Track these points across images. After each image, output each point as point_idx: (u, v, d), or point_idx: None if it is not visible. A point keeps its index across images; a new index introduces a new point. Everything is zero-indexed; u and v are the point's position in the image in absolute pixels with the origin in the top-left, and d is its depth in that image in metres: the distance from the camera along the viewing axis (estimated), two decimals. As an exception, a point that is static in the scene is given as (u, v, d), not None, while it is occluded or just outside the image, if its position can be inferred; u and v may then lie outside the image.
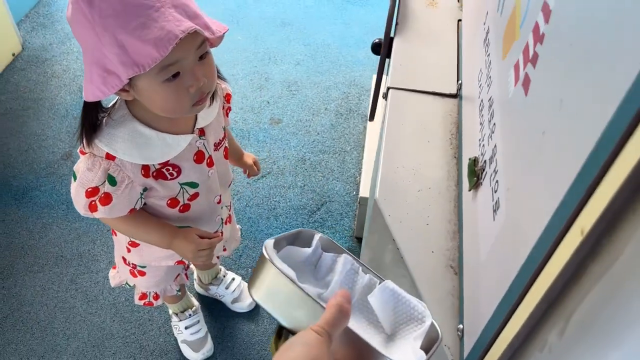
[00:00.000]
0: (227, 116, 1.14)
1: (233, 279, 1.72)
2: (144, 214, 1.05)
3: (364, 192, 1.81)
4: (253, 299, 0.61)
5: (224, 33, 0.86)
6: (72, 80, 2.43)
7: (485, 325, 0.61)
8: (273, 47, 2.73)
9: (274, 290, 0.58)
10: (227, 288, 1.69)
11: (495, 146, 0.73)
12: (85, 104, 0.88)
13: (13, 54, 2.49)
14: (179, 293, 1.48)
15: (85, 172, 0.92)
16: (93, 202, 0.94)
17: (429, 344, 0.61)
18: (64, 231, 1.90)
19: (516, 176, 0.62)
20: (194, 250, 1.06)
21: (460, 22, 1.28)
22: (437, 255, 0.86)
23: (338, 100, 2.48)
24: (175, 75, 0.81)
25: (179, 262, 1.26)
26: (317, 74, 2.60)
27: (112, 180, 0.92)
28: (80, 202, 0.96)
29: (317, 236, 0.70)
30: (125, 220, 1.02)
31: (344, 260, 0.68)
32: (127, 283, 1.36)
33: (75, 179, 0.95)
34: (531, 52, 0.63)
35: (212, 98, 1.01)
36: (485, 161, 0.77)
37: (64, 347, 1.63)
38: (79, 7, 0.75)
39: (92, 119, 0.90)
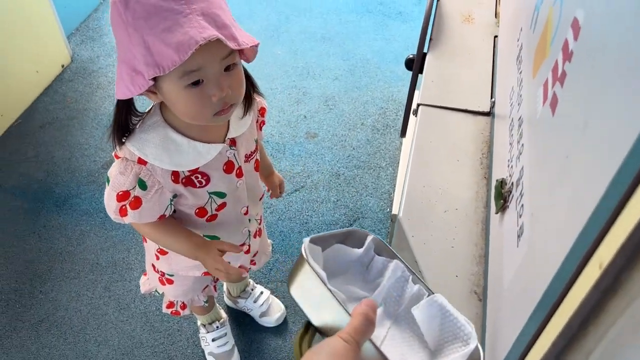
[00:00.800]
0: (261, 130, 1.14)
1: (261, 292, 1.71)
2: (173, 222, 1.06)
3: (397, 209, 1.78)
4: (288, 292, 0.61)
5: (253, 46, 0.85)
6: (116, 92, 2.50)
7: (507, 351, 0.58)
8: (312, 61, 2.74)
9: (306, 288, 0.58)
10: (255, 301, 1.68)
11: (522, 168, 0.70)
12: (118, 104, 0.90)
13: (62, 66, 2.59)
14: (207, 304, 1.48)
15: (117, 175, 0.93)
16: (123, 207, 0.95)
17: None
18: (100, 239, 1.95)
19: (540, 201, 0.58)
20: (212, 265, 1.05)
21: (496, 38, 1.24)
22: (462, 279, 0.82)
23: (375, 115, 2.46)
24: (198, 82, 0.82)
25: (206, 274, 1.26)
26: (354, 89, 2.59)
27: (142, 185, 0.93)
28: (111, 206, 0.97)
29: (370, 237, 0.69)
30: (155, 227, 1.02)
31: (395, 266, 0.67)
32: (156, 290, 1.37)
33: (108, 182, 0.97)
34: (560, 71, 0.60)
35: (246, 110, 1.01)
36: (512, 183, 0.73)
37: (94, 354, 1.66)
38: (117, 8, 0.78)
39: (123, 119, 0.91)
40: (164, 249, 1.17)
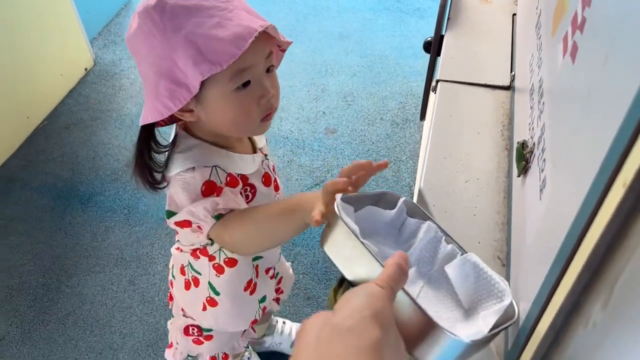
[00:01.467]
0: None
1: (284, 322, 1.62)
2: (250, 210, 0.84)
3: (416, 195, 1.76)
4: (321, 249, 0.60)
5: (281, 51, 0.84)
6: (138, 93, 2.55)
7: (528, 308, 0.57)
8: (330, 59, 2.75)
9: (339, 243, 0.58)
10: (281, 334, 1.59)
11: (543, 125, 0.69)
12: (140, 134, 0.83)
13: (85, 69, 2.65)
14: (247, 350, 1.40)
15: (188, 183, 0.81)
16: (214, 200, 0.81)
17: (504, 321, 0.58)
18: (124, 234, 1.97)
19: (561, 147, 0.57)
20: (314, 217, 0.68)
21: (514, 16, 1.24)
22: (484, 246, 0.81)
23: (394, 110, 2.46)
24: (246, 84, 0.77)
25: (252, 322, 1.17)
26: (373, 85, 2.59)
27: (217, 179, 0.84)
28: (200, 205, 0.80)
29: (402, 199, 0.68)
30: (242, 218, 0.82)
31: (427, 227, 0.67)
32: (189, 356, 1.26)
33: (171, 214, 0.83)
34: (579, 19, 0.60)
35: None
36: (534, 143, 0.73)
37: (120, 346, 1.68)
38: (148, 15, 0.73)
39: (149, 152, 0.83)
40: (215, 298, 1.04)
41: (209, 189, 0.82)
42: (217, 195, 0.82)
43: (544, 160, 0.65)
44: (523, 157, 0.74)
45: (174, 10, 0.72)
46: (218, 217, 0.81)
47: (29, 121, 2.35)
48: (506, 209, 0.86)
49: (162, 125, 0.87)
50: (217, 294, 1.06)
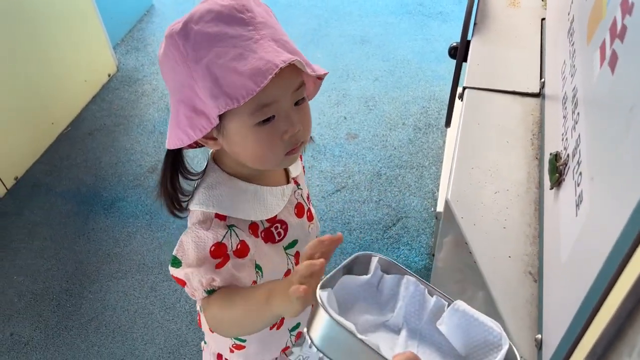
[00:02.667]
0: (304, 173, 1.03)
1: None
2: (230, 289, 0.81)
3: (442, 207, 1.73)
4: (312, 344, 0.57)
5: (317, 81, 0.79)
6: (160, 99, 2.56)
7: (565, 331, 0.54)
8: (352, 64, 2.73)
9: (334, 341, 0.55)
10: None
11: (579, 136, 0.66)
12: (167, 158, 0.80)
13: (109, 75, 2.67)
14: None
15: (200, 234, 0.77)
16: (218, 262, 0.78)
17: None
18: (146, 240, 1.98)
19: (601, 162, 0.55)
20: (295, 291, 0.68)
21: (544, 21, 1.20)
22: (515, 260, 0.78)
23: (417, 114, 2.42)
24: (270, 118, 0.72)
25: (284, 350, 1.10)
26: (395, 89, 2.56)
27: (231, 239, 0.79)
28: (200, 269, 0.76)
29: (375, 259, 0.65)
30: (226, 296, 0.79)
31: (406, 282, 0.64)
32: None
33: (178, 264, 0.78)
34: (619, 26, 0.57)
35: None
36: (568, 155, 0.70)
37: (142, 352, 1.68)
38: (173, 42, 0.70)
39: (172, 177, 0.81)
40: (240, 343, 0.99)
41: (218, 252, 0.78)
42: (221, 264, 0.78)
43: (580, 173, 0.62)
44: (556, 170, 0.71)
45: (197, 38, 0.68)
46: (211, 291, 0.79)
47: (54, 127, 2.38)
48: (538, 222, 0.83)
49: (191, 148, 0.83)
50: (243, 340, 1.01)
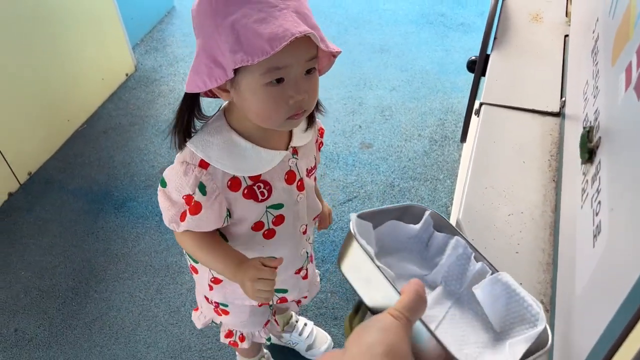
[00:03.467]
0: (319, 150, 1.10)
1: (305, 324, 1.62)
2: (216, 237, 0.99)
3: (454, 219, 1.70)
4: (338, 267, 0.58)
5: (334, 55, 0.82)
6: (177, 100, 2.56)
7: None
8: (369, 72, 2.71)
9: (355, 265, 0.56)
10: (300, 334, 1.60)
11: (599, 162, 0.63)
12: (182, 103, 0.88)
13: (127, 74, 2.68)
14: (269, 342, 1.40)
15: (180, 177, 0.89)
16: (184, 211, 0.91)
17: (537, 349, 0.54)
18: (155, 242, 1.97)
19: (622, 193, 0.51)
20: (255, 278, 0.91)
21: (567, 38, 1.17)
22: (527, 287, 0.74)
23: (433, 126, 2.39)
24: (279, 80, 0.79)
25: (265, 304, 1.20)
26: (412, 100, 2.53)
27: (202, 189, 0.88)
28: (173, 208, 0.92)
29: (428, 212, 0.65)
30: (198, 239, 0.96)
31: (455, 243, 0.63)
32: (213, 322, 1.31)
33: (164, 185, 0.93)
34: (647, 49, 0.54)
35: (310, 124, 0.97)
36: (587, 181, 0.66)
37: (144, 355, 1.66)
38: None
39: (186, 120, 0.89)
40: (219, 276, 1.11)
41: (189, 200, 0.90)
42: (192, 211, 0.90)
43: (599, 202, 0.59)
44: (587, 149, 0.67)
45: None
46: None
47: (69, 124, 2.39)
48: (552, 247, 0.79)
49: (207, 97, 0.91)
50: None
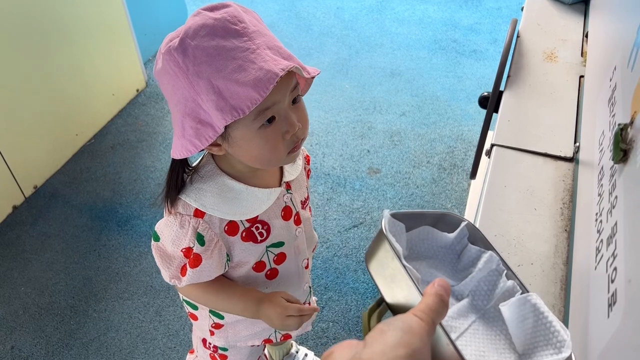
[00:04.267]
0: (308, 178, 1.08)
1: (306, 354, 1.58)
2: (225, 280, 0.97)
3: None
4: (366, 266, 0.57)
5: (309, 79, 0.82)
6: (185, 118, 2.55)
7: None
8: (379, 96, 2.70)
9: (382, 262, 0.55)
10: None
11: (615, 224, 0.60)
12: (173, 164, 0.85)
13: (137, 90, 2.68)
14: None
15: (177, 230, 0.85)
16: (184, 265, 0.88)
17: None
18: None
19: (641, 266, 0.49)
20: (282, 316, 0.93)
21: (582, 79, 1.15)
22: (535, 345, 0.72)
23: (442, 154, 2.37)
24: (271, 120, 0.76)
25: (266, 341, 1.16)
26: (422, 126, 2.51)
27: (201, 240, 0.86)
28: (173, 263, 0.88)
29: (464, 223, 0.64)
30: (207, 287, 0.93)
31: (489, 257, 0.62)
32: None
33: (158, 239, 0.89)
34: (669, 114, 0.51)
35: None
36: (601, 240, 0.64)
37: (140, 379, 1.64)
38: (172, 58, 0.72)
39: (179, 178, 0.86)
40: (220, 322, 1.08)
41: (188, 254, 0.86)
42: (192, 264, 0.86)
43: (615, 269, 0.56)
44: (620, 148, 0.64)
45: (195, 53, 0.70)
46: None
47: (77, 138, 2.39)
48: (563, 303, 0.76)
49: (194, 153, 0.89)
50: (221, 317, 1.06)
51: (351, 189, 2.22)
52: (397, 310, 0.52)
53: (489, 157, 1.01)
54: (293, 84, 0.77)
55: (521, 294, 0.59)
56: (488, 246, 0.63)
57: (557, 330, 0.55)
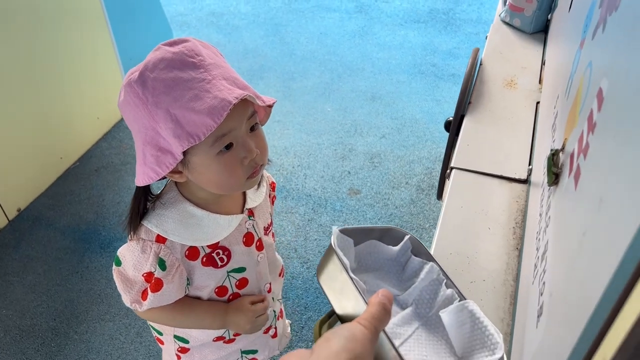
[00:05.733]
0: (273, 204, 1.11)
1: None
2: (188, 299, 0.99)
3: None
4: (317, 281, 0.61)
5: (268, 108, 0.86)
6: (169, 141, 2.60)
7: None
8: (360, 119, 2.76)
9: (331, 275, 0.58)
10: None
11: (547, 242, 0.65)
12: (136, 191, 0.88)
13: (122, 114, 2.73)
14: None
15: (139, 255, 0.88)
16: (145, 289, 0.90)
17: None
18: (138, 283, 1.97)
19: (558, 280, 0.54)
20: (251, 319, 0.99)
21: (539, 104, 1.21)
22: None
23: (420, 175, 2.43)
24: (229, 146, 0.80)
25: None
26: (401, 148, 2.58)
27: (162, 265, 0.88)
28: (134, 288, 0.91)
29: (407, 236, 0.69)
30: (172, 309, 0.95)
31: (430, 268, 0.67)
32: None
33: (119, 264, 0.92)
34: (584, 142, 0.57)
35: (260, 183, 0.99)
36: (538, 257, 0.69)
37: (119, 400, 1.65)
38: (132, 89, 0.76)
39: (141, 206, 0.89)
40: (185, 346, 1.09)
41: (149, 278, 0.89)
42: (153, 288, 0.89)
43: (544, 283, 0.61)
44: (552, 172, 0.69)
45: (154, 84, 0.75)
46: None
47: (62, 162, 2.42)
48: (511, 317, 0.81)
49: (158, 180, 0.91)
50: (186, 342, 1.08)
51: (332, 209, 2.26)
52: (346, 320, 0.55)
53: (448, 180, 1.07)
54: (249, 112, 0.81)
55: (459, 301, 0.63)
56: (429, 258, 0.68)
57: (492, 334, 0.60)
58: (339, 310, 0.56)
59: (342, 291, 0.56)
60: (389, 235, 0.69)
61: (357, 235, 0.67)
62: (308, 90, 2.99)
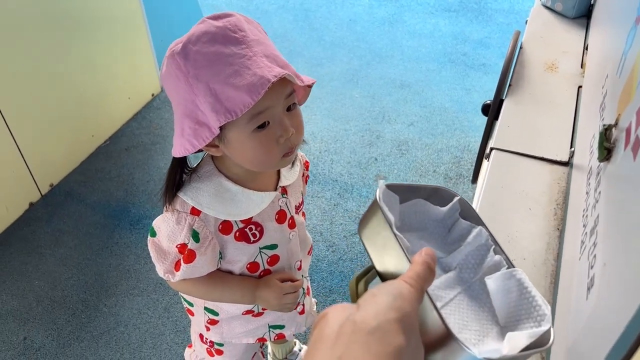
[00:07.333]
0: (306, 184, 1.12)
1: None
2: (220, 272, 1.00)
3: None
4: (359, 235, 0.59)
5: (307, 88, 0.86)
6: (198, 122, 2.62)
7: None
8: (389, 106, 2.75)
9: (374, 231, 0.56)
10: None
11: (597, 217, 0.64)
12: (173, 162, 0.89)
13: (152, 94, 2.76)
14: None
15: (173, 226, 0.89)
16: (178, 260, 0.92)
17: (535, 347, 0.53)
18: (166, 260, 2.00)
19: (614, 250, 0.53)
20: (279, 296, 1.00)
21: (580, 89, 1.19)
22: (524, 334, 0.76)
23: (448, 164, 2.41)
24: (264, 125, 0.80)
25: (260, 340, 1.21)
26: (429, 136, 2.56)
27: (196, 237, 0.89)
28: (167, 258, 0.93)
29: (457, 198, 0.65)
30: (203, 281, 0.97)
31: (478, 232, 0.63)
32: None
33: (154, 234, 0.93)
34: (645, 113, 0.56)
35: (294, 161, 0.99)
36: (586, 233, 0.68)
37: (147, 372, 1.68)
38: (175, 61, 0.77)
39: (178, 177, 0.90)
40: (215, 318, 1.12)
41: (182, 250, 0.90)
42: (186, 260, 0.90)
43: (595, 256, 0.60)
44: (604, 147, 0.67)
45: (196, 57, 0.75)
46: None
47: (93, 140, 2.46)
48: (551, 296, 0.80)
49: (194, 153, 0.92)
50: (216, 314, 1.11)
51: (358, 195, 2.26)
52: (386, 277, 0.53)
53: (487, 160, 1.06)
54: (288, 91, 0.81)
55: (507, 268, 0.61)
56: (479, 222, 0.64)
57: (539, 305, 0.56)
58: (379, 267, 0.54)
59: (384, 247, 0.54)
60: (437, 196, 0.66)
61: (404, 193, 0.63)
62: (336, 76, 2.98)
